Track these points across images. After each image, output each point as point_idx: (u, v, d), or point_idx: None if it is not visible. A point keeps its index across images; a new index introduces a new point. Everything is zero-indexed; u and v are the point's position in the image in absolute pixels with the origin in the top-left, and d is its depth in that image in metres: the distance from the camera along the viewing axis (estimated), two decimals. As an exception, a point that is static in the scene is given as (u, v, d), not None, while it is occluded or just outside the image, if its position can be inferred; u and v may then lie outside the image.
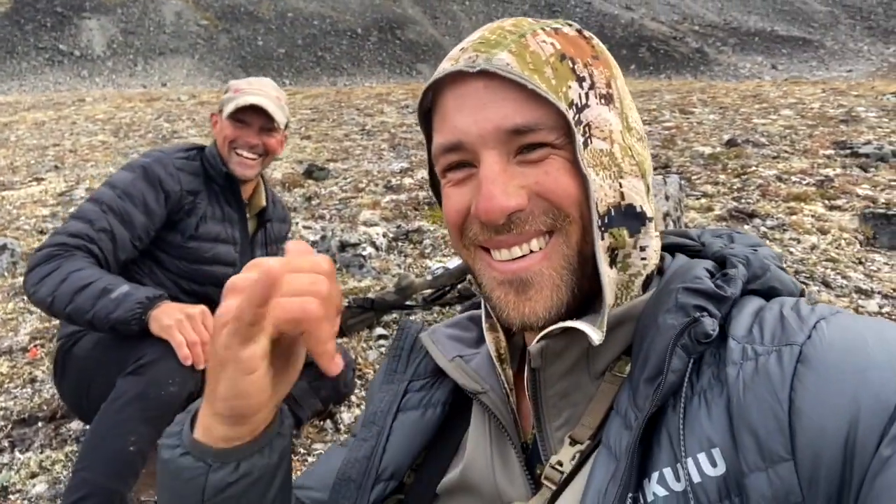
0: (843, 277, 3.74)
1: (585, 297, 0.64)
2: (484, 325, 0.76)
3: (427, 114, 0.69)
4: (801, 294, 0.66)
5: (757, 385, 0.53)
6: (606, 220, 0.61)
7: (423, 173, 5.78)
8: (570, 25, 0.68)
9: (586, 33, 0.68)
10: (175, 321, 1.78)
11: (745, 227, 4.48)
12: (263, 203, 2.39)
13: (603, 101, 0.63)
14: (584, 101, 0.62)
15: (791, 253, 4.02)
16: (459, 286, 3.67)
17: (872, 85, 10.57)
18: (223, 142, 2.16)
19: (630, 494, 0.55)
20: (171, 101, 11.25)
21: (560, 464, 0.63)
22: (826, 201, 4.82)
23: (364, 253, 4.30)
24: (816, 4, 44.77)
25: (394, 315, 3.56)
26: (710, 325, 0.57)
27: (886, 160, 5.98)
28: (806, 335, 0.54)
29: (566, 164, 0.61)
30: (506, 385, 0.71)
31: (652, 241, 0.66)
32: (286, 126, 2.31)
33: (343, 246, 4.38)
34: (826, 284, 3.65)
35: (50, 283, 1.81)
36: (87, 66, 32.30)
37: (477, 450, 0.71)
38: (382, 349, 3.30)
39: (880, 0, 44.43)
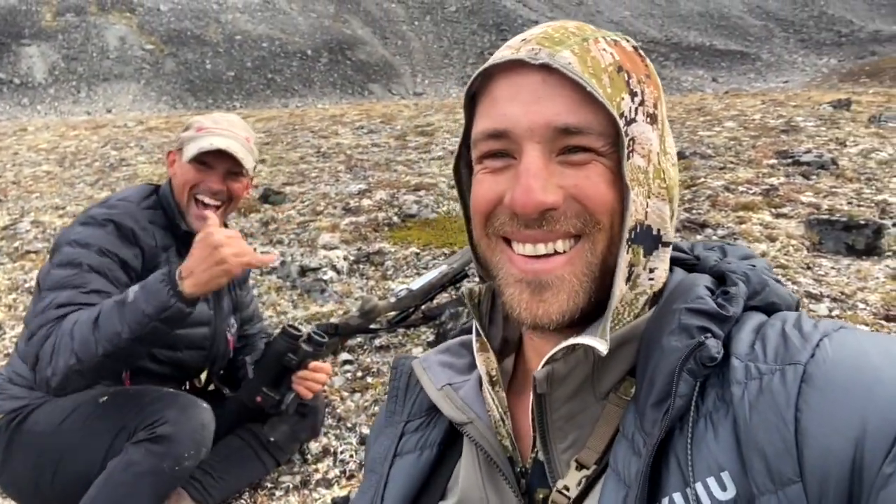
0: (794, 283, 3.87)
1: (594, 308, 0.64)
2: (474, 346, 0.75)
3: (472, 99, 0.68)
4: (798, 306, 0.67)
5: (762, 405, 0.53)
6: (632, 236, 0.62)
7: (381, 195, 5.77)
8: (628, 41, 0.68)
9: (642, 52, 0.68)
10: (215, 247, 1.62)
11: (697, 237, 4.60)
12: None
13: (649, 119, 0.64)
14: (633, 115, 0.62)
15: (743, 261, 4.15)
16: (423, 307, 3.66)
17: (809, 95, 11.06)
18: (182, 187, 1.91)
19: None
20: (117, 128, 10.98)
21: (567, 488, 0.63)
22: (773, 209, 5.00)
23: (325, 277, 4.26)
24: (752, 19, 46.72)
25: (358, 339, 3.52)
26: (715, 347, 0.57)
27: (826, 168, 6.24)
28: (809, 353, 0.54)
29: (607, 173, 0.61)
30: (499, 409, 0.70)
31: (662, 265, 0.67)
32: (254, 169, 2.09)
33: (303, 270, 4.33)
34: (778, 290, 3.78)
35: (63, 349, 1.58)
36: (28, 93, 31.32)
37: (468, 481, 0.71)
38: (348, 374, 3.26)
39: (811, 14, 46.66)
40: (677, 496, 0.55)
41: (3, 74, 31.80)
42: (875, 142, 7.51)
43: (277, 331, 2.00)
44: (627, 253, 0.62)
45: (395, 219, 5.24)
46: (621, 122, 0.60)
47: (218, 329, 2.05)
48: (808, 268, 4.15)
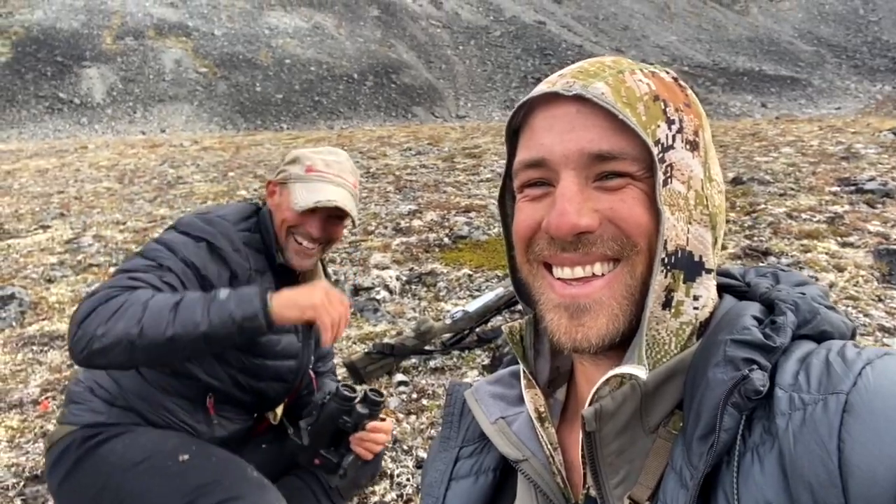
0: (865, 315, 3.70)
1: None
2: (522, 383, 0.75)
3: (515, 132, 0.71)
4: (853, 334, 0.65)
5: (805, 436, 0.53)
6: (672, 260, 0.62)
7: (431, 216, 5.78)
8: (668, 73, 0.69)
9: (682, 82, 0.69)
10: (319, 301, 1.57)
11: (760, 265, 4.46)
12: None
13: (689, 146, 0.65)
14: (670, 141, 0.63)
15: (810, 290, 4.00)
16: (478, 329, 3.62)
17: (868, 122, 10.73)
18: (280, 222, 1.81)
19: None
20: (173, 147, 11.33)
21: None
22: (838, 238, 4.82)
23: (378, 297, 4.26)
24: (802, 45, 45.86)
25: (413, 360, 3.50)
26: (760, 380, 0.57)
27: (892, 196, 6.02)
28: (851, 382, 0.54)
29: (642, 196, 0.62)
30: (548, 446, 0.70)
31: (707, 293, 0.66)
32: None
33: (356, 290, 4.34)
34: (849, 322, 3.62)
35: (128, 315, 1.49)
36: (87, 113, 32.64)
37: None
38: (403, 396, 3.23)
39: (864, 40, 45.57)
40: None
41: (63, 94, 33.26)
42: (942, 170, 7.22)
43: (331, 391, 1.90)
44: (665, 277, 0.62)
45: (446, 240, 5.23)
46: (656, 149, 0.61)
47: (304, 363, 1.99)
48: (880, 300, 3.97)
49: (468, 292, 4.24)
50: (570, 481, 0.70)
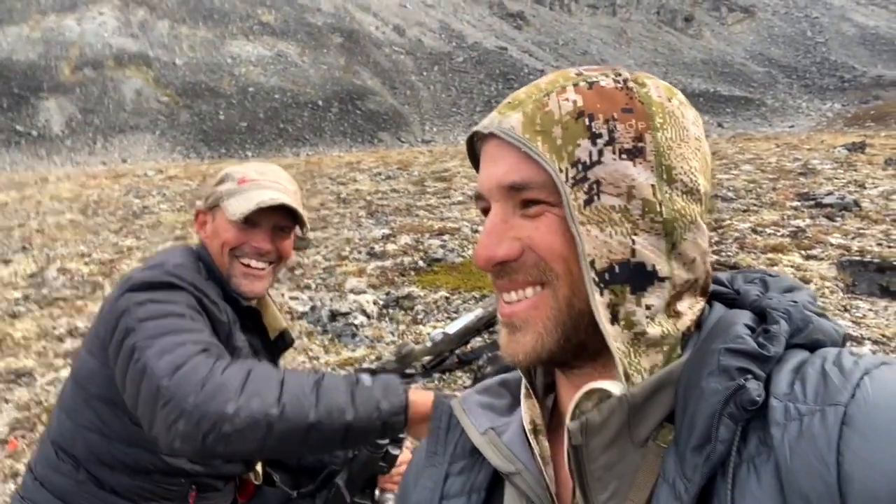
0: (833, 324, 3.81)
1: (592, 349, 0.64)
2: (522, 392, 0.74)
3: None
4: (844, 340, 0.65)
5: (803, 448, 0.53)
6: (607, 277, 0.61)
7: (405, 239, 5.78)
8: (619, 76, 0.66)
9: (635, 83, 0.66)
10: None
11: (746, 271, 4.57)
12: (283, 323, 1.78)
13: (625, 155, 0.62)
14: (595, 157, 0.62)
15: (779, 302, 4.11)
16: (458, 351, 3.62)
17: (822, 139, 11.14)
18: (220, 248, 1.57)
19: None
20: (137, 177, 11.16)
21: None
22: (802, 251, 4.97)
23: (356, 321, 4.23)
24: (754, 66, 47.55)
25: (394, 385, 3.48)
26: (756, 389, 0.56)
27: (850, 209, 6.24)
28: (850, 394, 0.53)
29: (558, 222, 0.62)
30: (538, 460, 0.69)
31: (680, 306, 0.64)
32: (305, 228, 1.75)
33: (334, 315, 4.30)
34: (818, 332, 3.73)
35: (263, 391, 1.21)
36: (46, 145, 31.97)
37: None
38: (386, 421, 3.20)
39: (813, 60, 47.46)
40: None
41: (21, 127, 32.57)
42: (894, 183, 7.52)
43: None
44: (602, 295, 0.61)
45: (421, 263, 5.23)
46: (574, 170, 0.61)
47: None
48: (846, 310, 4.10)
49: (446, 314, 4.25)
50: (559, 496, 0.69)
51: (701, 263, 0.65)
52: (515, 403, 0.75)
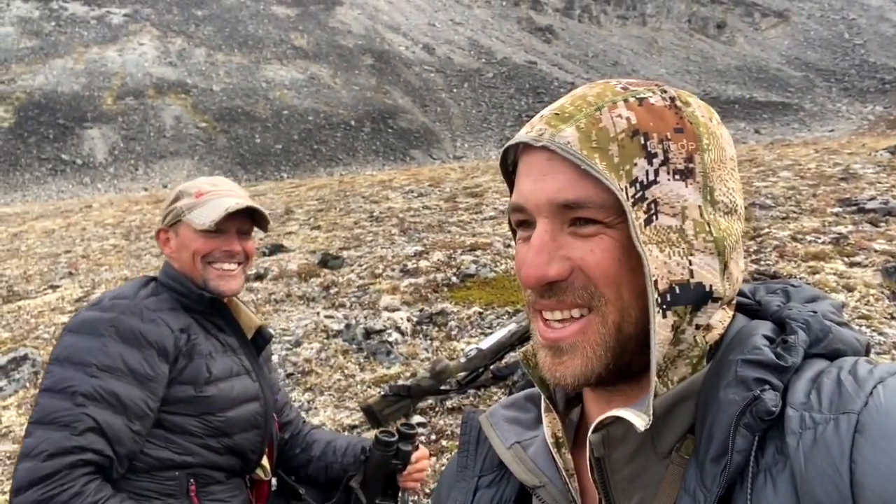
0: (880, 334, 3.69)
1: (635, 370, 0.64)
2: (542, 406, 0.75)
3: (514, 167, 0.72)
4: (867, 350, 0.65)
5: (817, 456, 0.53)
6: (669, 298, 0.61)
7: (438, 256, 5.81)
8: (665, 93, 0.66)
9: (680, 102, 0.66)
10: None
11: (770, 282, 4.46)
12: (257, 321, 1.90)
13: (678, 176, 0.63)
14: (651, 177, 0.62)
15: (822, 311, 4.00)
16: (493, 367, 3.61)
17: (863, 142, 10.84)
18: (191, 258, 1.70)
19: None
20: (177, 201, 11.42)
21: None
22: (845, 258, 4.83)
23: (390, 339, 4.26)
24: (791, 70, 46.63)
25: (429, 401, 3.48)
26: (773, 400, 0.57)
27: (894, 214, 6.04)
28: (863, 402, 0.54)
29: (613, 245, 0.61)
30: (563, 473, 0.70)
31: (707, 319, 0.64)
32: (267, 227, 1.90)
33: (368, 333, 4.34)
34: (864, 341, 3.61)
35: None
36: (90, 173, 33.08)
37: None
38: (422, 437, 3.20)
39: (852, 63, 46.34)
40: None
41: (66, 156, 33.77)
42: (941, 186, 7.27)
43: (368, 443, 1.88)
44: (667, 317, 0.61)
45: (454, 279, 5.24)
46: (632, 190, 0.61)
47: (268, 401, 1.85)
48: (893, 317, 3.96)
49: (480, 330, 4.24)
50: None
51: (739, 280, 0.67)
52: (541, 417, 0.76)
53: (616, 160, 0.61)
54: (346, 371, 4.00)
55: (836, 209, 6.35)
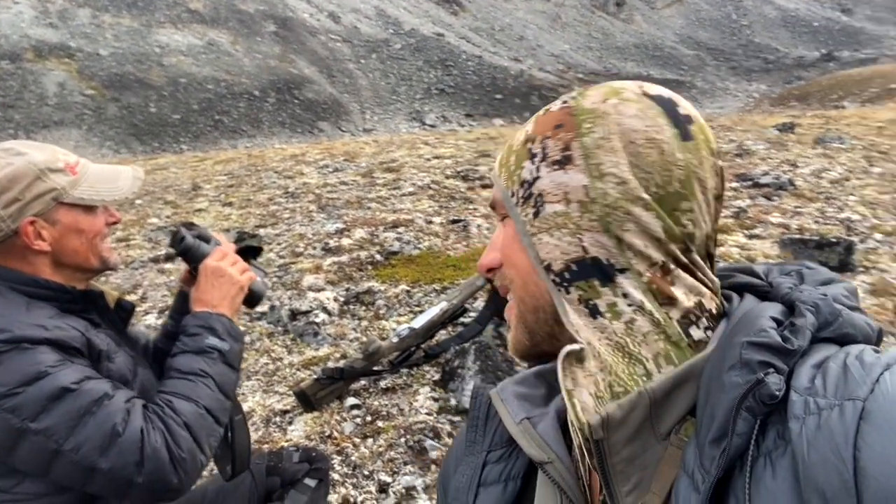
0: (779, 301, 4.00)
1: (563, 341, 0.69)
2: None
3: None
4: (879, 336, 0.66)
5: (820, 443, 0.53)
6: (568, 276, 0.67)
7: (360, 233, 5.73)
8: (565, 102, 0.71)
9: (578, 96, 0.70)
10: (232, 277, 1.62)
11: (782, 262, 4.71)
12: (114, 294, 1.69)
13: (556, 166, 0.68)
14: (535, 174, 0.69)
15: (728, 282, 4.28)
16: (424, 346, 3.62)
17: (753, 120, 11.57)
18: (87, 243, 1.49)
19: None
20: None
21: None
22: (745, 231, 5.18)
23: (317, 320, 4.18)
24: (684, 49, 48.93)
25: (362, 382, 3.45)
26: (776, 384, 0.57)
27: (785, 188, 6.53)
28: (869, 389, 0.54)
29: (511, 231, 0.72)
30: (577, 450, 0.71)
31: (673, 291, 0.65)
32: None
33: (294, 314, 4.23)
34: (766, 309, 3.90)
35: (205, 426, 1.43)
36: (-40, 143, 30.08)
37: None
38: (357, 420, 3.18)
39: (739, 42, 49.20)
40: None
41: (-68, 125, 30.49)
42: (824, 162, 7.91)
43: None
44: (569, 293, 0.67)
45: (378, 257, 5.20)
46: (516, 193, 0.71)
47: (144, 378, 1.62)
48: (789, 286, 4.30)
49: (408, 308, 4.24)
50: (591, 486, 0.70)
51: (656, 247, 0.65)
52: (550, 394, 0.78)
53: (511, 168, 0.72)
54: (272, 354, 3.89)
55: (735, 184, 6.77)
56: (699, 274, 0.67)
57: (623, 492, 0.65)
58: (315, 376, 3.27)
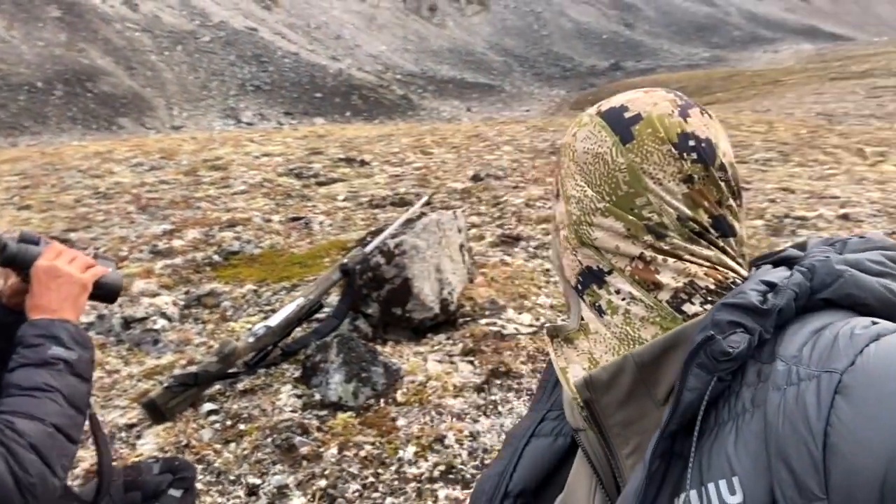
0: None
1: None
2: None
3: None
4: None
5: (794, 415, 0.52)
6: (579, 287, 0.76)
7: (193, 233, 5.39)
8: (573, 136, 0.81)
9: (573, 132, 0.80)
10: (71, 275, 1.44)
11: (515, 249, 5.06)
12: None
13: (556, 198, 0.81)
14: (554, 207, 0.83)
15: (559, 266, 4.69)
16: (281, 344, 3.53)
17: (561, 121, 12.63)
18: None
19: None
20: None
21: None
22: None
23: (155, 327, 3.89)
24: (493, 55, 51.87)
25: (217, 386, 3.28)
26: (737, 342, 0.58)
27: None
28: (849, 361, 0.52)
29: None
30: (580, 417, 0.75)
31: (623, 285, 0.72)
32: None
33: (128, 323, 3.90)
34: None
35: (56, 442, 1.31)
36: None
37: (577, 482, 0.76)
38: (217, 425, 3.04)
39: (540, 51, 53.21)
40: (693, 494, 0.57)
41: None
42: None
43: None
44: (584, 300, 0.76)
45: (217, 257, 4.95)
46: (552, 224, 0.83)
47: None
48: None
49: (258, 308, 4.10)
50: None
51: (629, 243, 0.71)
52: None
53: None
54: (107, 367, 3.56)
55: (552, 179, 7.39)
56: (686, 256, 0.69)
57: (623, 454, 0.68)
58: (165, 384, 3.05)
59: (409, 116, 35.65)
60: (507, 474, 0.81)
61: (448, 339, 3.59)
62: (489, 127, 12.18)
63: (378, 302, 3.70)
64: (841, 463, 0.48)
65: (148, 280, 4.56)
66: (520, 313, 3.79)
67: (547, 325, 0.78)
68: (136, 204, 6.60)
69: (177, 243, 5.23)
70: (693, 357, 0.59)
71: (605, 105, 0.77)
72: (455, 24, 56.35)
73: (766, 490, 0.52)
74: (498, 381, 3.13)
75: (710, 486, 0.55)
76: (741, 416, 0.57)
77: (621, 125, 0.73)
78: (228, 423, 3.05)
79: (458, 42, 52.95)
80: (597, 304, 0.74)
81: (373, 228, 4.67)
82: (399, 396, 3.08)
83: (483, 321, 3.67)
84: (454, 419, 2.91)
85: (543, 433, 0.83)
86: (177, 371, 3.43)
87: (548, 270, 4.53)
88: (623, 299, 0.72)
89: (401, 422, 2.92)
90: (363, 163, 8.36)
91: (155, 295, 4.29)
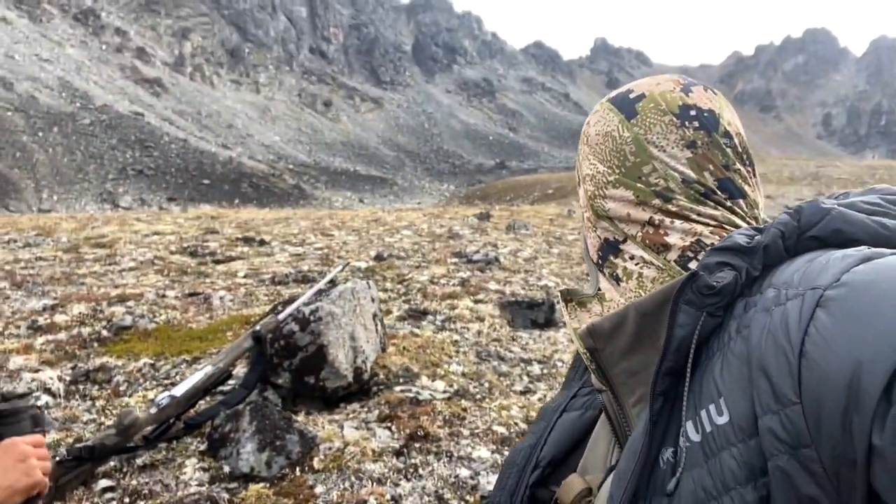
0: (509, 351, 4.62)
1: None
2: None
3: None
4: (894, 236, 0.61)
5: (776, 330, 0.54)
6: (601, 261, 0.80)
7: (78, 309, 5.04)
8: (589, 125, 0.86)
9: (592, 122, 0.84)
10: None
11: (423, 322, 5.13)
12: None
13: (578, 185, 0.86)
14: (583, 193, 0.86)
15: (467, 338, 4.79)
16: (184, 416, 3.32)
17: (456, 210, 13.14)
18: None
19: (664, 447, 0.61)
20: None
21: None
22: (471, 296, 5.87)
23: (39, 404, 3.54)
24: (386, 150, 53.57)
25: (113, 462, 3.02)
26: (723, 277, 0.60)
27: (492, 264, 7.57)
28: (833, 279, 0.53)
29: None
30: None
31: (669, 239, 0.73)
32: None
33: (5, 398, 3.52)
34: (501, 358, 4.46)
35: None
36: None
37: (597, 442, 0.79)
38: (114, 503, 2.78)
39: (431, 148, 55.60)
40: (689, 424, 0.59)
41: None
42: (517, 244, 9.36)
43: None
44: (603, 272, 0.80)
45: (106, 332, 4.65)
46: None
47: None
48: (514, 339, 4.99)
49: (156, 381, 3.86)
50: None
51: (640, 210, 0.75)
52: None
53: None
54: (-21, 448, 3.18)
55: (454, 260, 7.63)
56: (693, 216, 0.73)
57: (629, 403, 0.70)
58: (58, 458, 2.77)
59: (301, 205, 35.60)
60: (539, 447, 0.84)
61: (363, 406, 3.54)
62: (387, 213, 12.46)
63: (290, 371, 3.61)
64: (813, 368, 0.50)
65: (27, 356, 4.18)
66: (433, 380, 3.82)
67: (561, 288, 0.82)
68: (10, 280, 6.10)
69: (60, 318, 4.86)
70: (680, 294, 0.61)
71: (614, 92, 0.83)
72: (349, 119, 58.00)
73: (748, 404, 0.54)
74: (417, 445, 3.11)
75: (703, 412, 0.58)
76: (727, 345, 0.59)
77: (626, 104, 0.78)
78: (126, 500, 2.80)
79: (352, 136, 54.35)
80: (614, 274, 0.77)
81: (278, 301, 4.59)
82: (316, 464, 2.98)
83: (398, 388, 3.66)
84: (375, 484, 2.85)
85: (574, 408, 0.87)
86: (61, 449, 3.13)
87: (457, 341, 4.63)
88: (637, 264, 0.75)
89: (319, 489, 2.81)
90: (262, 242, 8.25)
91: (36, 371, 3.94)
